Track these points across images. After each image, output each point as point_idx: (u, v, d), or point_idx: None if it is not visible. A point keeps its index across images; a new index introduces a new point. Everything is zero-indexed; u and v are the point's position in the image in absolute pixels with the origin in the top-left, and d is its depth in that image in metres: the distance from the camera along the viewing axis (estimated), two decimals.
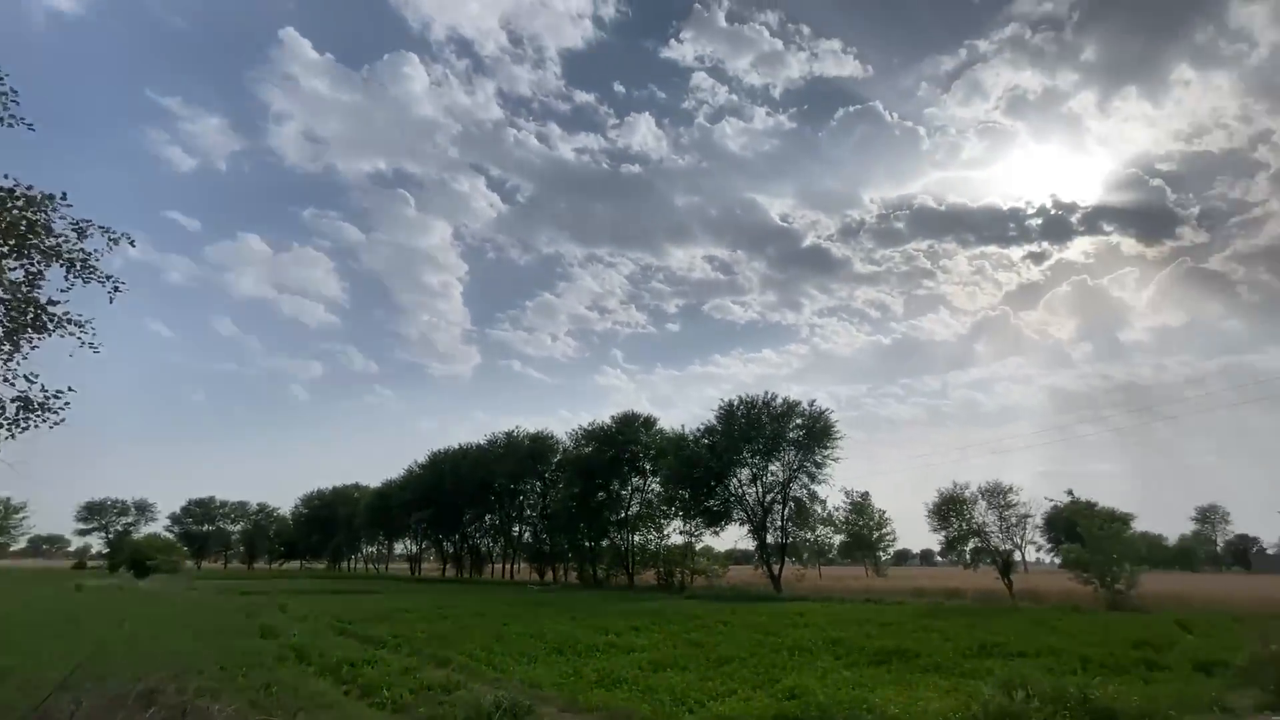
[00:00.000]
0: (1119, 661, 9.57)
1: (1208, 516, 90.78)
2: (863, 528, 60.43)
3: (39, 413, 4.57)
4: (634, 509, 40.86)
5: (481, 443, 51.85)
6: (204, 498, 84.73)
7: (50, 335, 4.51)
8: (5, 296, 4.21)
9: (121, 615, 17.05)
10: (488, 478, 49.26)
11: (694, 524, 36.75)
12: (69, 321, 4.53)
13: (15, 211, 4.01)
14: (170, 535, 76.47)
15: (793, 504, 33.11)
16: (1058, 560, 32.10)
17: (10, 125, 4.07)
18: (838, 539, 56.11)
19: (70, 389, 4.66)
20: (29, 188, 4.10)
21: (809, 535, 37.56)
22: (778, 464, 33.19)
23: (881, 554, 64.34)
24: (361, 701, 7.48)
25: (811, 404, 33.06)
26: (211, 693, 7.90)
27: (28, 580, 40.38)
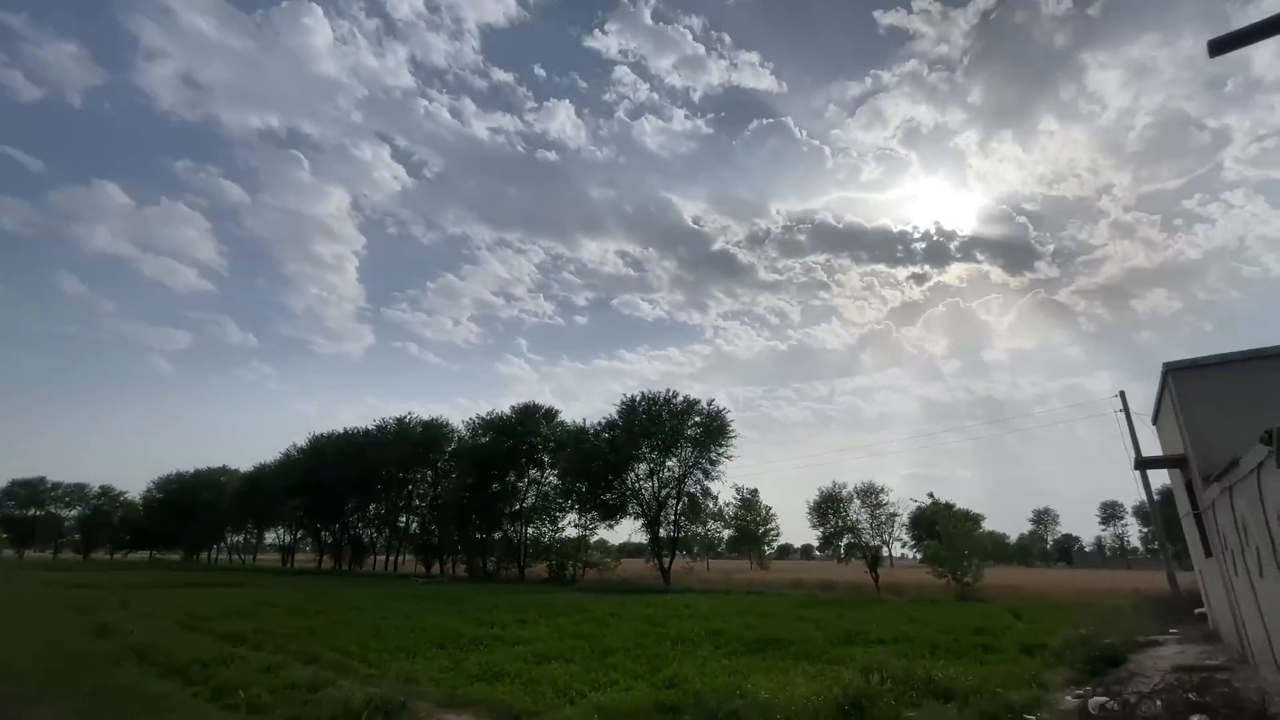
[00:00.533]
0: (962, 646, 10.66)
1: (1042, 518, 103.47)
2: (750, 523, 63.37)
3: None
4: (529, 501, 40.35)
5: (370, 428, 49.17)
6: (32, 478, 74.04)
7: None
8: None
9: None
10: (375, 465, 46.77)
11: (589, 517, 36.92)
12: None
13: None
14: None
15: (686, 499, 34.09)
16: (919, 555, 35.31)
17: None
18: (727, 533, 58.42)
19: None
20: None
21: (700, 530, 38.79)
22: (675, 460, 34.04)
23: (766, 548, 67.80)
24: (213, 704, 6.86)
25: (710, 403, 34.22)
26: (26, 700, 6.95)
27: None
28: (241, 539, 77.51)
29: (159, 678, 8.21)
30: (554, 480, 39.57)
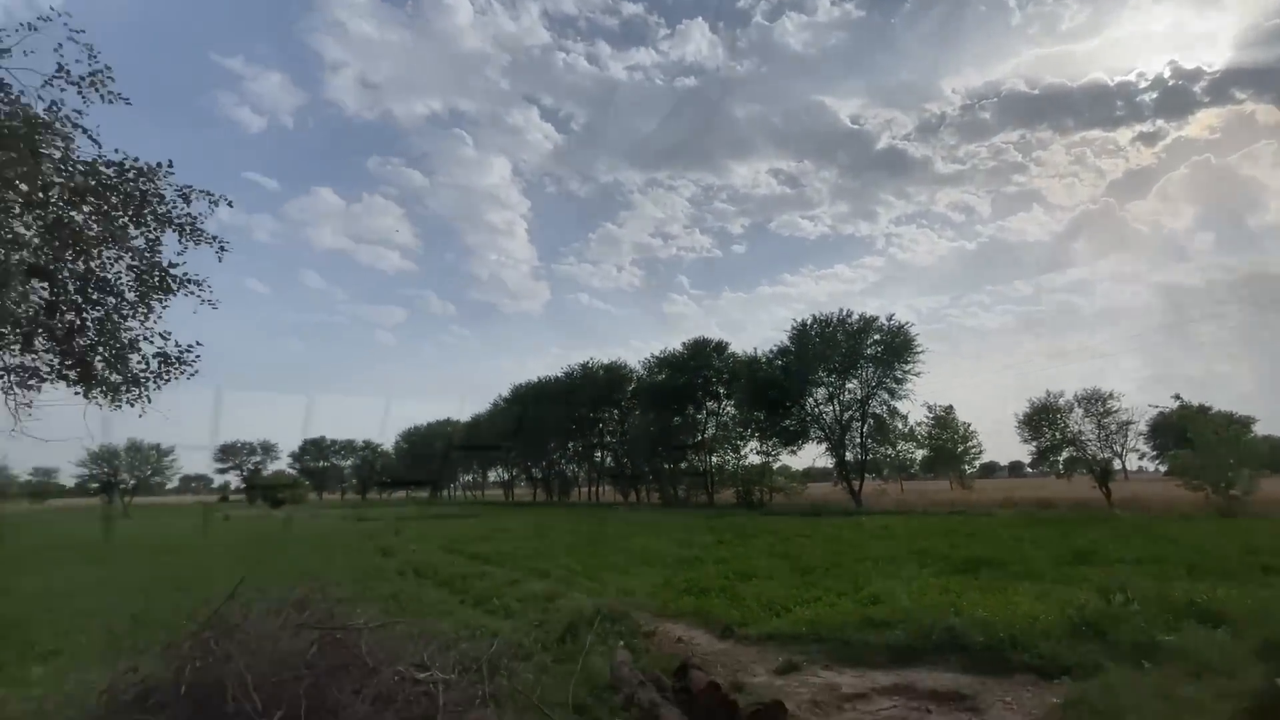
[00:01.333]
0: (1231, 567, 9.15)
1: None
2: (946, 441, 58.94)
3: (177, 366, 5.05)
4: (710, 432, 41.63)
5: (560, 375, 53.70)
6: (317, 438, 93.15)
7: (175, 295, 4.90)
8: (133, 263, 4.59)
9: (267, 540, 19.46)
10: (568, 408, 51.29)
11: (770, 444, 37.09)
12: (189, 281, 4.89)
13: (131, 183, 4.32)
14: (292, 472, 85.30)
15: (871, 421, 32.68)
16: (1163, 468, 30.35)
17: (110, 102, 4.31)
18: (920, 454, 55.06)
19: (198, 343, 5.10)
20: (136, 160, 4.37)
21: (890, 451, 37.14)
22: (855, 382, 32.61)
23: (967, 467, 62.86)
24: (476, 609, 8.32)
25: (890, 319, 31.88)
26: (349, 601, 9.04)
27: (184, 514, 46.50)
28: (470, 478, 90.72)
29: (433, 588, 10.14)
30: (731, 411, 40.27)
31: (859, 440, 32.97)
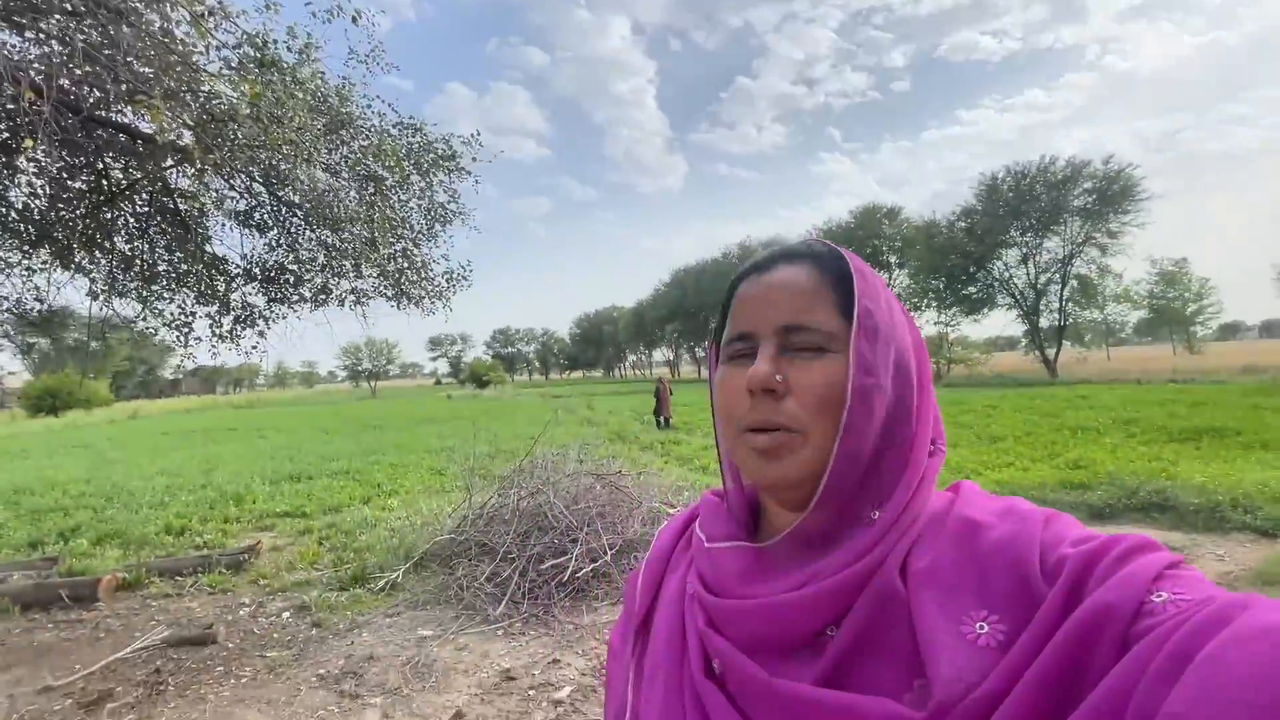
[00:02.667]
0: None
1: None
2: (1173, 300, 50.41)
3: (459, 280, 6.41)
4: None
5: (717, 256, 53.75)
6: (503, 327, 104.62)
7: (451, 225, 6.14)
8: (420, 202, 5.81)
9: (494, 412, 23.30)
10: (726, 287, 51.74)
11: (950, 314, 34.71)
12: (460, 214, 6.08)
13: (413, 139, 5.44)
14: (487, 358, 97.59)
15: (1075, 282, 29.02)
16: None
17: (386, 73, 5.24)
18: (1136, 316, 47.85)
19: (470, 261, 6.40)
20: (412, 118, 5.44)
21: (1097, 315, 32.91)
22: (1056, 239, 28.79)
23: (1199, 328, 53.56)
24: (682, 468, 9.77)
25: (1107, 161, 27.02)
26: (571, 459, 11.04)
27: (413, 395, 56.04)
28: (637, 358, 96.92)
29: (638, 450, 11.88)
30: (905, 280, 37.86)
31: (1057, 305, 29.63)
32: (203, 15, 3.77)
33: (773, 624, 0.48)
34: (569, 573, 4.27)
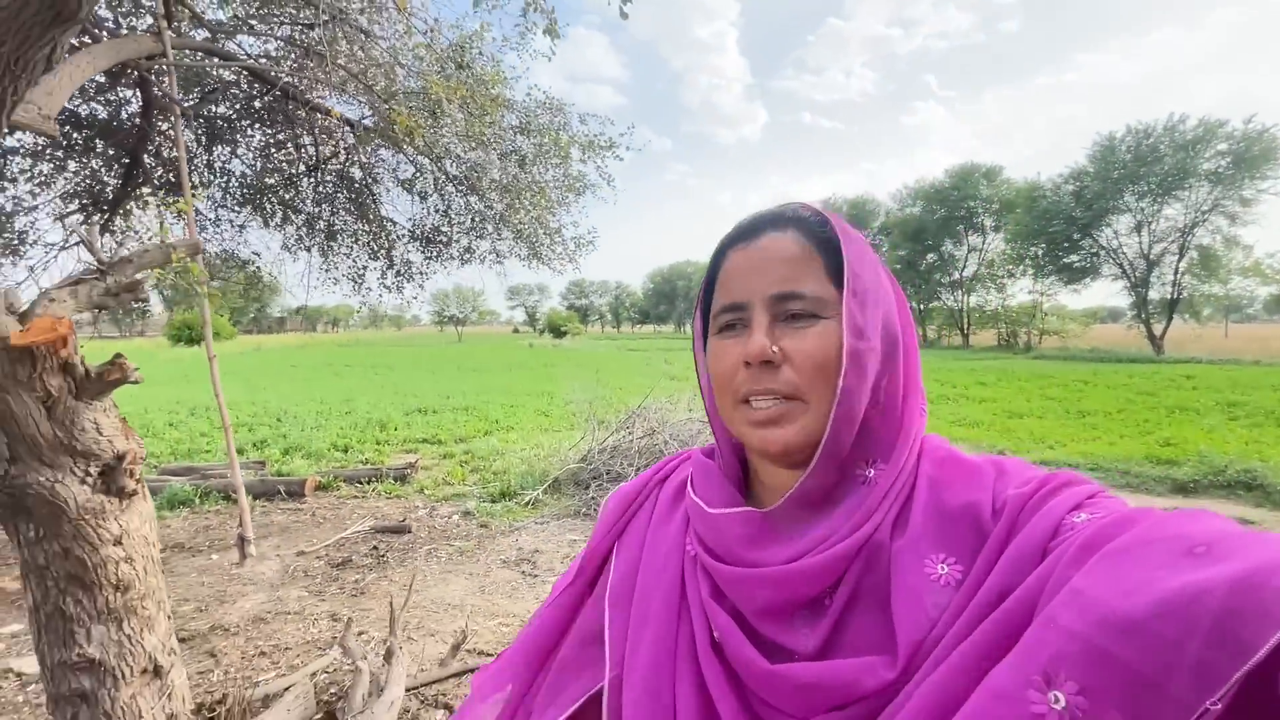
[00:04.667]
0: None
1: None
2: None
3: (587, 244, 7.18)
4: (970, 270, 38.11)
5: None
6: (578, 279, 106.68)
7: (582, 195, 6.87)
8: (555, 172, 6.52)
9: (581, 361, 24.59)
10: None
11: (1047, 283, 32.89)
12: (590, 185, 6.78)
13: (552, 115, 6.13)
14: (562, 309, 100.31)
15: (1195, 253, 26.82)
16: None
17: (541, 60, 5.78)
18: (1266, 291, 43.46)
19: (595, 228, 7.15)
20: (552, 97, 6.14)
21: (1217, 289, 30.35)
22: (1178, 206, 26.57)
23: None
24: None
25: (1248, 121, 24.42)
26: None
27: (495, 341, 58.81)
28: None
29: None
30: (999, 246, 35.98)
31: (1171, 277, 27.55)
32: (410, 29, 4.58)
33: (781, 591, 0.50)
34: None
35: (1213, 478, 6.04)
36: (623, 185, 6.81)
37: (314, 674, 2.75)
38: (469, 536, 5.01)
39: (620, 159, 6.12)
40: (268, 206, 6.89)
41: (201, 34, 4.65)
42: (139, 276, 2.30)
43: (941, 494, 0.51)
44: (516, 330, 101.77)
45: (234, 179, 6.55)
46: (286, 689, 2.49)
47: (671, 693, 0.52)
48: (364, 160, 6.07)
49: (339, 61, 4.70)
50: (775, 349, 0.51)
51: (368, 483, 6.58)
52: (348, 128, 5.41)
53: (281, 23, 4.95)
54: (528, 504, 5.75)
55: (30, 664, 2.95)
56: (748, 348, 0.51)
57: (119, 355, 1.90)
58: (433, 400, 12.66)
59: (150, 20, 4.35)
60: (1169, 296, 27.79)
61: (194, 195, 4.32)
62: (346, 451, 8.22)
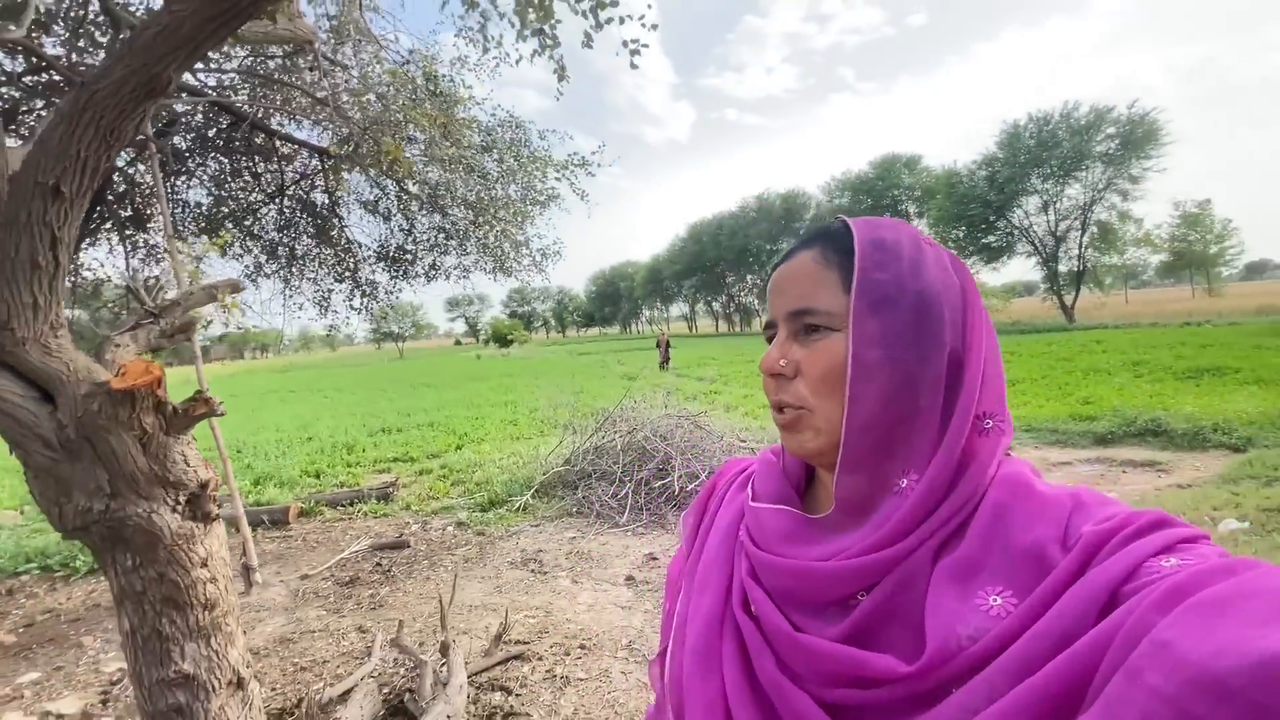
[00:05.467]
0: None
1: None
2: (1194, 244, 50.09)
3: (552, 255, 7.39)
4: None
5: (734, 209, 53.86)
6: (520, 285, 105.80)
7: (545, 208, 7.11)
8: (518, 188, 6.73)
9: (534, 370, 24.55)
10: (744, 242, 52.01)
11: (970, 262, 35.11)
12: (553, 198, 7.02)
13: (513, 133, 6.35)
14: (504, 318, 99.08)
15: (1095, 228, 29.32)
16: None
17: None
18: (1156, 259, 47.67)
19: (560, 240, 7.37)
20: (515, 115, 6.38)
21: (1115, 259, 33.19)
22: (1077, 186, 28.97)
23: (1222, 269, 53.22)
24: (732, 412, 10.91)
25: (1131, 105, 26.94)
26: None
27: (439, 355, 57.61)
28: (652, 314, 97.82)
29: (685, 400, 13.01)
30: (924, 230, 38.13)
31: (1076, 251, 30.02)
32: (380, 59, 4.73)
33: (801, 583, 0.52)
34: (676, 489, 5.45)
35: (1125, 428, 6.87)
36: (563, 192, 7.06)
37: (363, 678, 2.93)
38: (469, 545, 5.18)
39: (592, 174, 6.41)
40: (224, 235, 6.81)
41: None
42: (189, 318, 2.46)
43: (1007, 522, 0.48)
44: (458, 342, 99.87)
45: (189, 209, 6.46)
46: (348, 691, 2.68)
47: (720, 650, 0.55)
48: (332, 186, 6.12)
49: (304, 89, 4.80)
50: (783, 362, 0.54)
51: (351, 504, 6.61)
52: (316, 155, 5.48)
53: (244, 56, 4.99)
54: (518, 509, 5.95)
55: (69, 705, 3.00)
56: (761, 363, 0.56)
57: (200, 391, 2.07)
58: (393, 419, 12.54)
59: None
60: (1075, 269, 30.23)
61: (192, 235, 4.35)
62: (319, 477, 8.15)
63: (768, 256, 53.50)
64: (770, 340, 0.58)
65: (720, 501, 0.69)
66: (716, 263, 56.12)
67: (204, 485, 2.13)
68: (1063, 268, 30.53)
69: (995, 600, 0.44)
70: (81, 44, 4.36)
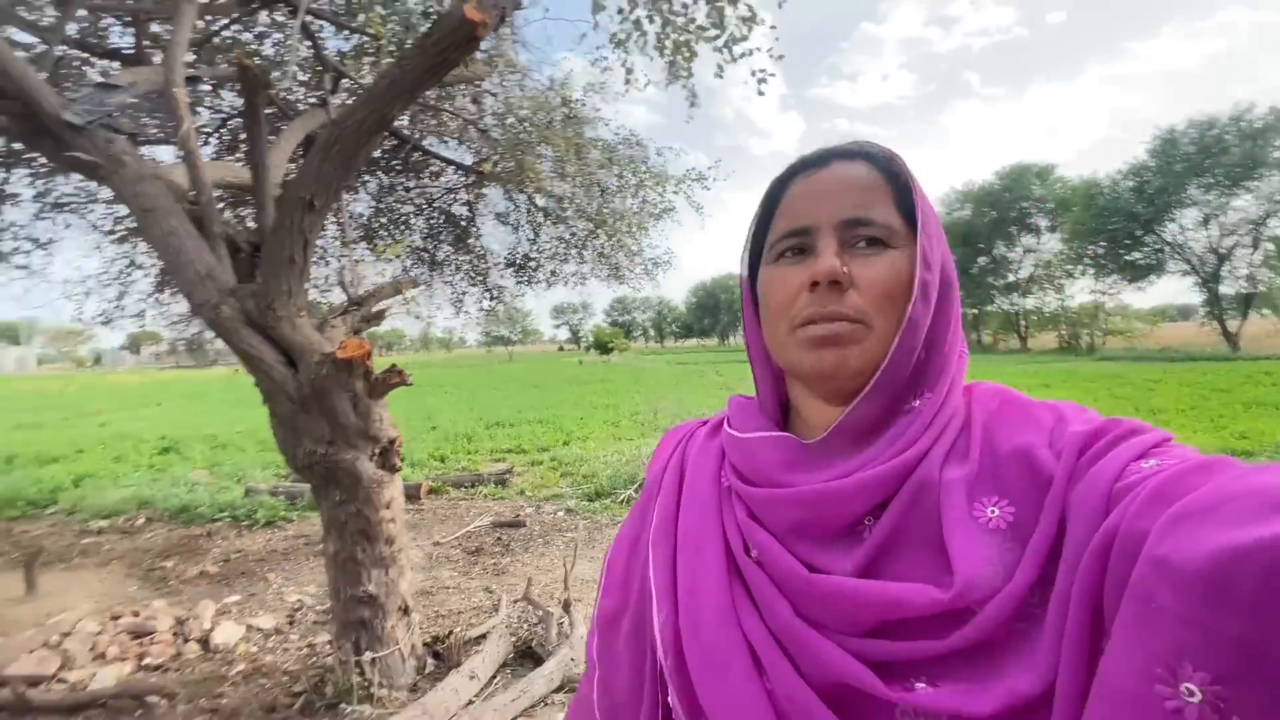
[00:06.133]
0: None
1: None
2: None
3: (664, 264, 7.71)
4: (1024, 272, 37.25)
5: None
6: (621, 295, 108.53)
7: (659, 220, 7.43)
8: (635, 200, 7.05)
9: (637, 376, 25.25)
10: None
11: (1109, 282, 31.91)
12: (667, 211, 7.32)
13: (634, 149, 6.73)
14: (605, 326, 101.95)
15: (1270, 245, 25.69)
16: None
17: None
18: None
19: (672, 250, 7.71)
20: (632, 132, 6.76)
21: None
22: (1248, 197, 25.56)
23: None
24: None
25: None
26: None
27: (544, 360, 60.17)
28: None
29: None
30: (1056, 246, 35.11)
31: (1245, 270, 26.42)
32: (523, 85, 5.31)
33: (812, 511, 0.49)
34: None
35: None
36: (679, 204, 7.38)
37: (494, 626, 3.36)
38: (578, 529, 5.61)
39: (708, 189, 6.74)
40: (377, 244, 7.76)
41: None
42: (379, 308, 2.99)
43: (995, 434, 0.49)
44: (561, 348, 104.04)
45: (353, 219, 7.45)
46: (483, 635, 3.10)
47: (733, 605, 0.50)
48: (473, 199, 6.85)
49: (458, 113, 5.46)
50: (845, 270, 0.50)
51: (472, 486, 7.28)
52: (461, 171, 6.19)
53: None
54: (622, 501, 6.32)
55: (265, 621, 3.66)
56: (818, 267, 0.49)
57: (394, 365, 2.56)
58: (507, 414, 13.45)
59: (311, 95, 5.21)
60: (1243, 291, 26.63)
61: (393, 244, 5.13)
62: (444, 460, 8.99)
63: None
64: (788, 251, 0.53)
65: (681, 460, 0.63)
66: None
67: (392, 442, 2.63)
68: (1227, 289, 27.01)
69: (994, 511, 0.45)
70: (286, 83, 5.26)
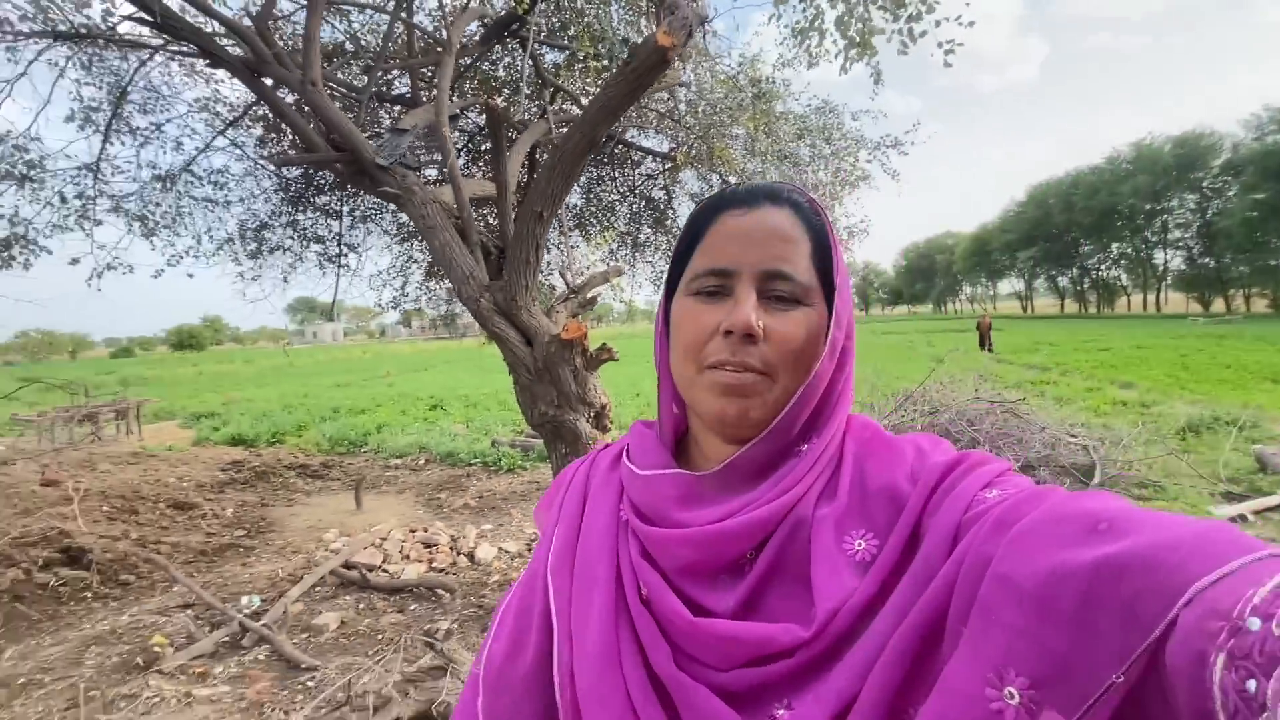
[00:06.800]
0: None
1: None
2: None
3: (861, 233, 7.37)
4: None
5: (1098, 163, 43.69)
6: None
7: (858, 188, 7.12)
8: (830, 172, 6.84)
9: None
10: (1111, 202, 41.84)
11: None
12: (866, 178, 6.99)
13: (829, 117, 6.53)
14: None
15: None
16: None
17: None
18: None
19: (867, 219, 7.36)
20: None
21: None
22: None
23: None
24: (1065, 407, 9.48)
25: None
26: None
27: None
28: (975, 290, 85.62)
29: (1010, 388, 11.62)
30: None
31: None
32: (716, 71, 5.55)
33: (702, 551, 0.51)
34: None
35: None
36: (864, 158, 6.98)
37: None
38: None
39: (905, 154, 6.40)
40: (588, 230, 8.66)
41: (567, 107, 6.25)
42: (592, 294, 3.53)
43: (865, 470, 0.52)
44: None
45: (566, 209, 8.41)
46: None
47: (618, 646, 0.52)
48: (669, 184, 7.34)
49: (654, 107, 5.89)
50: (759, 325, 0.50)
51: None
52: (660, 159, 6.67)
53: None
54: None
55: (511, 546, 4.58)
56: (734, 318, 0.50)
57: (604, 344, 3.07)
58: None
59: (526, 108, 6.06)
60: None
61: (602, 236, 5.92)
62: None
63: (1145, 219, 41.92)
64: (706, 290, 0.53)
65: (583, 489, 0.63)
66: (1067, 229, 46.14)
67: (604, 407, 3.15)
68: None
69: (860, 544, 0.47)
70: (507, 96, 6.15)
